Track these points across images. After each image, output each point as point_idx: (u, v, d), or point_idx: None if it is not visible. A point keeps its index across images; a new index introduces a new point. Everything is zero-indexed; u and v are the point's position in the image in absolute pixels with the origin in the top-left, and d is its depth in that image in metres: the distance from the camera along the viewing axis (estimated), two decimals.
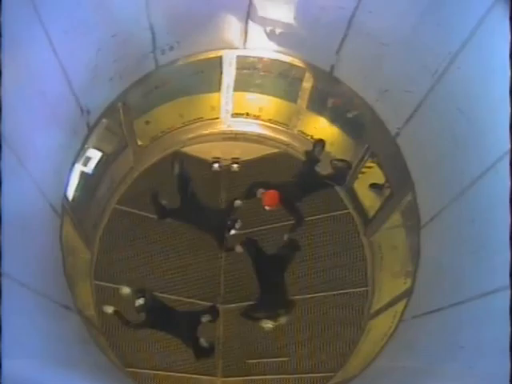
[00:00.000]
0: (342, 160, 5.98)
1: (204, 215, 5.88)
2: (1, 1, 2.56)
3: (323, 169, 6.02)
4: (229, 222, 5.86)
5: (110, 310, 5.60)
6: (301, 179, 5.94)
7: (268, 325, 5.83)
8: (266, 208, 5.77)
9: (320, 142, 5.95)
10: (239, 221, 5.89)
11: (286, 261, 5.84)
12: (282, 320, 5.85)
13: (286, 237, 6.00)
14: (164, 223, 6.28)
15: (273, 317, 5.82)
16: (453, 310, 3.58)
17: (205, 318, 5.54)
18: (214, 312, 5.69)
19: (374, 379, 4.66)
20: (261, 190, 5.78)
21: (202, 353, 5.61)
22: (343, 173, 6.08)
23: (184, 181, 5.96)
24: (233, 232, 5.90)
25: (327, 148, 6.24)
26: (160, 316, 5.50)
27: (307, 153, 6.01)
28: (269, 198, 5.69)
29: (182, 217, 5.99)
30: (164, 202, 5.95)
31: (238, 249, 5.87)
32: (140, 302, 5.43)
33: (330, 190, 6.26)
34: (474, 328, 3.23)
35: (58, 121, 4.02)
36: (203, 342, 5.53)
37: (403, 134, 4.63)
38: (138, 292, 5.54)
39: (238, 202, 5.95)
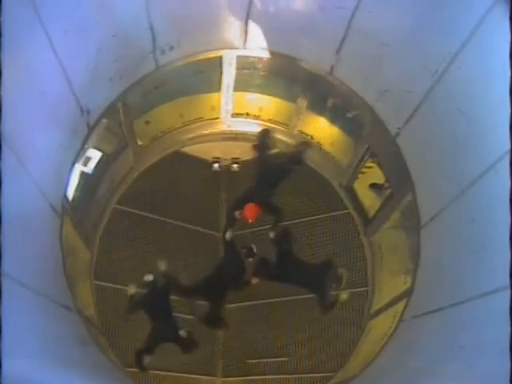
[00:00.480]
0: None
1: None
2: (1, 1, 2.56)
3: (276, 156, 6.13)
4: (244, 251, 5.86)
5: (132, 290, 5.57)
6: (262, 176, 5.97)
7: None
8: (250, 221, 5.85)
9: (264, 133, 6.06)
10: (253, 246, 5.90)
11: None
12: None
13: (271, 235, 6.00)
14: (164, 223, 6.29)
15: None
16: (453, 310, 3.58)
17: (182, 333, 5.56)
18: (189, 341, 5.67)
19: (374, 379, 4.66)
20: (237, 213, 5.86)
21: (187, 346, 5.64)
22: (299, 153, 6.08)
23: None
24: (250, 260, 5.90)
25: (327, 148, 6.26)
26: (158, 305, 5.56)
27: (255, 146, 6.06)
28: (249, 213, 5.77)
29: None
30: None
31: (254, 280, 5.85)
32: (149, 277, 5.51)
33: (294, 174, 6.08)
34: (474, 328, 3.23)
35: (58, 121, 4.02)
36: (183, 333, 5.55)
37: (403, 134, 4.63)
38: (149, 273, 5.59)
39: (228, 234, 5.92)
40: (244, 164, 6.69)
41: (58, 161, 4.25)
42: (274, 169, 5.99)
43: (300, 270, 5.81)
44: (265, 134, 6.09)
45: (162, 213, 6.34)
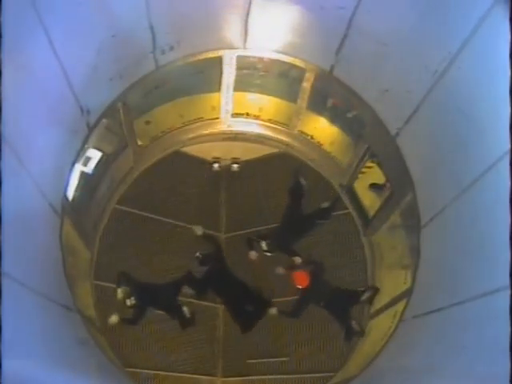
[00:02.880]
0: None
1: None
2: (1, 1, 2.56)
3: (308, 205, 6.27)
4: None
5: (115, 319, 5.74)
6: (289, 220, 6.18)
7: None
8: (299, 287, 5.88)
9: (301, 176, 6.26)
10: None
11: None
12: None
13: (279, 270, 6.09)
14: (164, 223, 6.30)
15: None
16: (453, 310, 3.58)
17: (185, 289, 5.82)
18: (193, 283, 5.91)
19: (374, 379, 4.66)
20: (280, 269, 6.02)
21: (187, 322, 5.86)
22: (330, 209, 6.29)
23: None
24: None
25: (327, 148, 6.26)
26: (145, 294, 5.75)
27: (290, 191, 6.26)
28: (300, 280, 5.84)
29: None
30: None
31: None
32: (132, 301, 5.71)
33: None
34: (475, 328, 3.23)
35: (58, 121, 4.02)
36: (186, 310, 5.79)
37: (403, 134, 4.63)
38: (122, 283, 5.79)
39: (253, 254, 6.14)
40: (244, 164, 6.70)
41: (58, 161, 4.25)
42: (303, 219, 6.19)
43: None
44: (298, 178, 6.27)
45: (161, 213, 6.35)
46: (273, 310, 5.97)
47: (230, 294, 6.05)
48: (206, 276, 6.03)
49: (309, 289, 5.80)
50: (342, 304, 5.85)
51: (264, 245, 6.09)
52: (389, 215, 5.46)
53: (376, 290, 5.78)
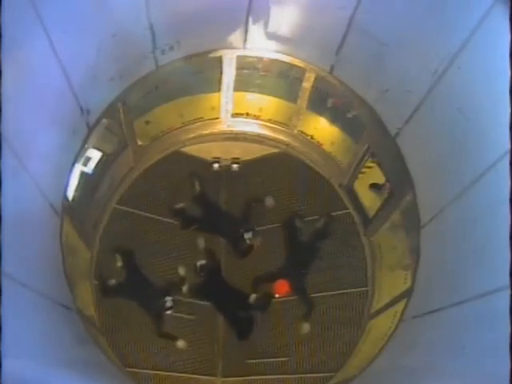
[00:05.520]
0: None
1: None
2: (1, 1, 2.56)
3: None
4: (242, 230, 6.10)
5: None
6: (292, 254, 6.20)
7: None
8: (277, 296, 5.97)
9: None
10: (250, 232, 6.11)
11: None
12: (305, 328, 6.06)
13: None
14: (164, 223, 6.29)
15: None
16: (453, 310, 3.59)
17: (167, 300, 5.80)
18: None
19: (374, 379, 4.66)
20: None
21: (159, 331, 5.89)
22: (325, 227, 6.29)
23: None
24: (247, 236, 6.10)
25: (327, 148, 6.26)
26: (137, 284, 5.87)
27: (286, 226, 6.30)
28: (279, 289, 5.91)
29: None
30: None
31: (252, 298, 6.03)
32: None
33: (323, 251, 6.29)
34: (475, 328, 3.23)
35: (58, 121, 4.02)
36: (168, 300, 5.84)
37: (403, 134, 4.63)
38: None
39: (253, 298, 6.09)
40: (244, 164, 6.70)
41: (58, 161, 4.25)
42: (304, 248, 6.19)
43: None
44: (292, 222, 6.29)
45: (161, 213, 6.35)
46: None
47: (225, 302, 6.06)
48: (201, 286, 6.07)
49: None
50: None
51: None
52: (389, 215, 5.46)
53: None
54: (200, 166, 6.62)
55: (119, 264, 5.98)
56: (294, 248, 6.21)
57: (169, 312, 5.84)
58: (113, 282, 5.87)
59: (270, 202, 6.46)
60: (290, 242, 6.26)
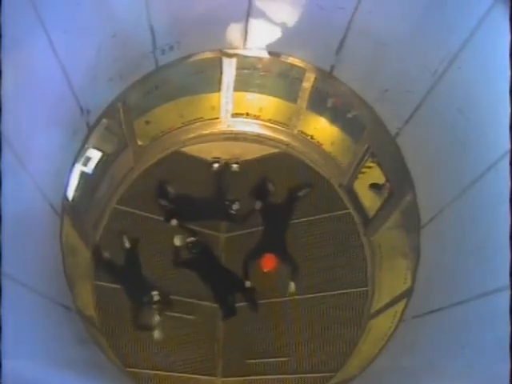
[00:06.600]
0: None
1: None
2: (1, 1, 2.56)
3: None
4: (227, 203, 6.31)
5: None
6: (269, 222, 6.27)
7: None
8: (266, 271, 5.94)
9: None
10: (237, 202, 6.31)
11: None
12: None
13: None
14: (164, 223, 6.30)
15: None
16: (453, 310, 3.59)
17: (155, 297, 5.85)
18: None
19: (374, 379, 4.66)
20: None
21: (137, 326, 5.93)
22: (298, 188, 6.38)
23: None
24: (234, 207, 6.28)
25: (327, 148, 6.26)
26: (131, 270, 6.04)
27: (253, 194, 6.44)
28: (267, 263, 5.91)
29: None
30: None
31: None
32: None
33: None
34: (475, 328, 3.23)
35: (58, 121, 4.02)
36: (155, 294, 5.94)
37: (403, 134, 4.63)
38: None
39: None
40: (244, 164, 6.70)
41: (58, 161, 4.25)
42: (279, 210, 6.28)
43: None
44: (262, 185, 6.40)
45: (161, 213, 6.34)
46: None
47: (217, 280, 6.11)
48: (194, 259, 6.15)
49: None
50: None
51: None
52: (389, 215, 5.46)
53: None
54: (200, 166, 6.63)
55: (127, 246, 6.07)
56: (268, 211, 6.29)
57: (154, 306, 5.85)
58: (107, 254, 5.93)
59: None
60: (264, 209, 6.32)
